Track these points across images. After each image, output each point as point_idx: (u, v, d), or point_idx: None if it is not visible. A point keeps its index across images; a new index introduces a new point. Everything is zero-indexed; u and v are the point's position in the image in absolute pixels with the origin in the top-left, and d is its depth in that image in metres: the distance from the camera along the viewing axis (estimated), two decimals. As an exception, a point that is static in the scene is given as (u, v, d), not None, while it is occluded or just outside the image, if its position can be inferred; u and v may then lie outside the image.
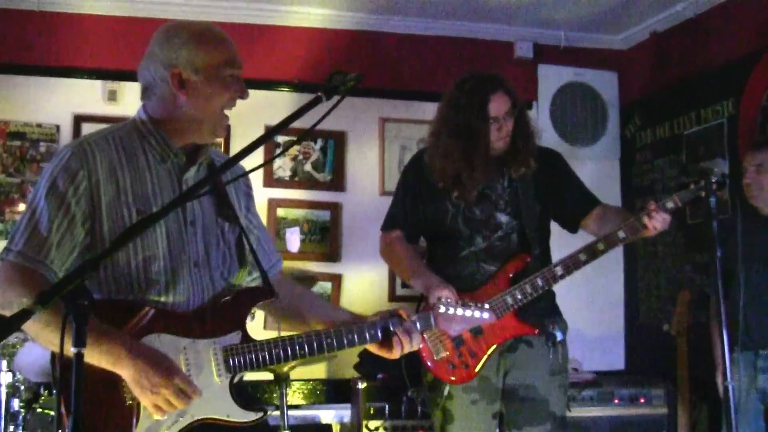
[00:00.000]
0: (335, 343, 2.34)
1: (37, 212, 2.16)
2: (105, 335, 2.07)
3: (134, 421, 2.14)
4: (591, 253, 3.35)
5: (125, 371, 2.09)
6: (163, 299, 2.24)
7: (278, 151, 5.43)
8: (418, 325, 2.46)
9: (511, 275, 3.42)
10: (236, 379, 2.27)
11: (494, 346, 3.38)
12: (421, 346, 2.53)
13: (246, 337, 2.28)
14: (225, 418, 2.23)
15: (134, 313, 2.19)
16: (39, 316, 1.74)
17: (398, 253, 3.59)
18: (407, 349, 2.42)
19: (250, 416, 2.25)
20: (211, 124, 2.30)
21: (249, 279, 2.56)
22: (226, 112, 2.33)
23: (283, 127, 2.03)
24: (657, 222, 3.24)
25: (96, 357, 2.05)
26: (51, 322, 2.02)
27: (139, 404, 2.15)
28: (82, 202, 2.17)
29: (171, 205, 1.93)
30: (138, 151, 2.29)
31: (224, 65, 2.26)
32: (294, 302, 2.58)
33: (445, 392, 3.42)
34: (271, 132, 2.11)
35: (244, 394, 2.31)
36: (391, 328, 2.40)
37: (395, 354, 2.42)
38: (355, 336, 2.38)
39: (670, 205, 3.29)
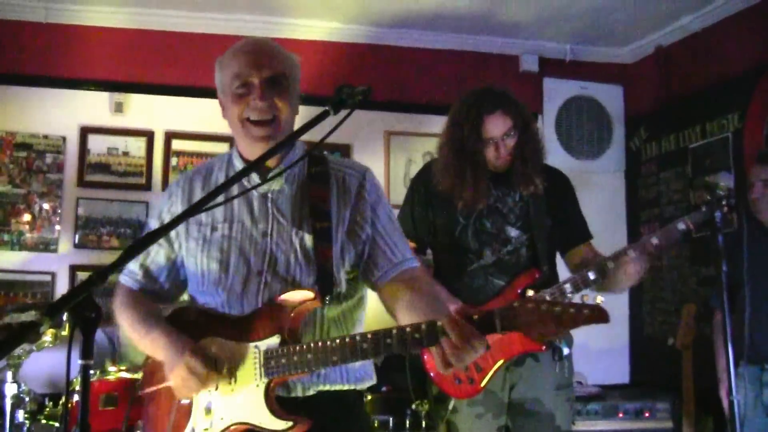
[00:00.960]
0: (371, 349, 2.05)
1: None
2: (154, 327, 2.34)
3: (184, 422, 2.30)
4: (600, 271, 3.34)
5: (159, 354, 2.31)
6: (221, 306, 2.34)
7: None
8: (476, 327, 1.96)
9: (519, 290, 3.41)
10: (291, 390, 2.27)
11: (500, 362, 3.37)
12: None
13: (284, 341, 2.20)
14: (258, 424, 2.19)
15: (193, 318, 2.38)
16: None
17: None
18: (456, 364, 1.96)
19: (279, 425, 2.17)
20: (240, 136, 2.38)
21: (370, 281, 2.41)
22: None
23: (291, 140, 2.03)
24: (630, 268, 3.27)
25: (149, 347, 2.37)
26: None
27: (190, 404, 2.30)
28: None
29: (179, 217, 1.94)
30: (224, 173, 2.47)
31: (233, 79, 2.33)
32: (403, 303, 2.29)
33: (450, 406, 3.41)
34: (279, 145, 2.11)
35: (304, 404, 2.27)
36: (438, 333, 1.94)
37: (440, 368, 2.00)
38: (394, 341, 2.01)
39: (681, 226, 3.29)
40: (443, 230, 3.52)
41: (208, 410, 2.26)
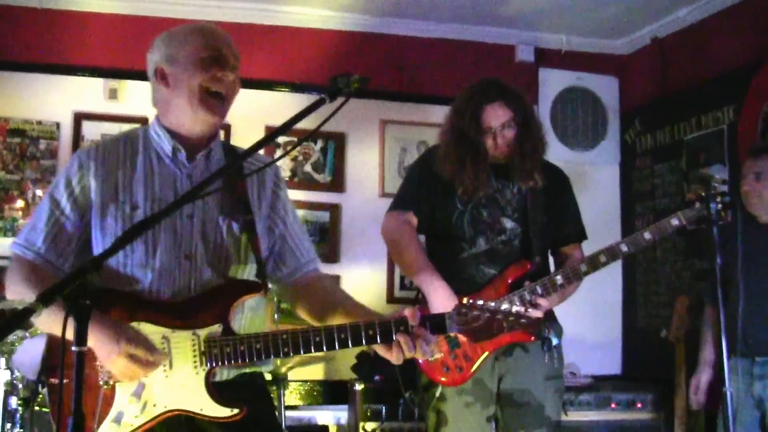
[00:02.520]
0: (324, 343, 2.16)
1: (39, 209, 2.39)
2: None
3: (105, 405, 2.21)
4: (592, 264, 3.36)
5: (90, 342, 2.13)
6: (148, 289, 2.29)
7: (278, 152, 5.43)
8: (428, 329, 2.20)
9: (510, 281, 3.41)
10: (217, 374, 2.27)
11: (488, 351, 3.38)
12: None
13: (227, 330, 2.23)
14: (198, 412, 2.19)
15: (118, 302, 2.26)
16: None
17: (406, 240, 3.50)
18: (408, 355, 2.16)
19: (224, 412, 2.18)
20: (191, 105, 2.35)
21: (276, 276, 2.53)
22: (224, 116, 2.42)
23: (287, 128, 2.03)
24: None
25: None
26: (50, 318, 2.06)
27: (113, 389, 2.21)
28: (78, 201, 2.35)
29: (176, 203, 1.95)
30: (142, 150, 2.42)
31: (202, 48, 2.35)
32: (315, 301, 2.49)
33: (437, 393, 3.42)
34: (275, 133, 2.10)
35: (231, 390, 2.28)
36: (393, 331, 2.15)
37: (393, 359, 2.18)
38: (349, 336, 2.16)
39: (675, 222, 3.31)
40: (441, 214, 3.52)
41: (137, 396, 2.21)
